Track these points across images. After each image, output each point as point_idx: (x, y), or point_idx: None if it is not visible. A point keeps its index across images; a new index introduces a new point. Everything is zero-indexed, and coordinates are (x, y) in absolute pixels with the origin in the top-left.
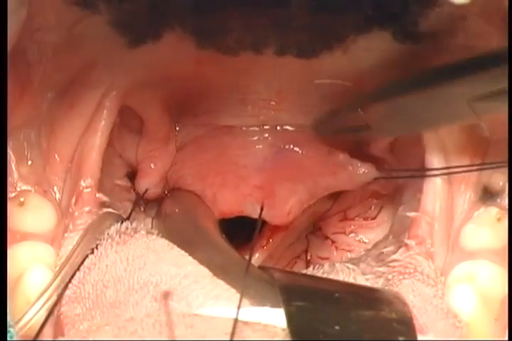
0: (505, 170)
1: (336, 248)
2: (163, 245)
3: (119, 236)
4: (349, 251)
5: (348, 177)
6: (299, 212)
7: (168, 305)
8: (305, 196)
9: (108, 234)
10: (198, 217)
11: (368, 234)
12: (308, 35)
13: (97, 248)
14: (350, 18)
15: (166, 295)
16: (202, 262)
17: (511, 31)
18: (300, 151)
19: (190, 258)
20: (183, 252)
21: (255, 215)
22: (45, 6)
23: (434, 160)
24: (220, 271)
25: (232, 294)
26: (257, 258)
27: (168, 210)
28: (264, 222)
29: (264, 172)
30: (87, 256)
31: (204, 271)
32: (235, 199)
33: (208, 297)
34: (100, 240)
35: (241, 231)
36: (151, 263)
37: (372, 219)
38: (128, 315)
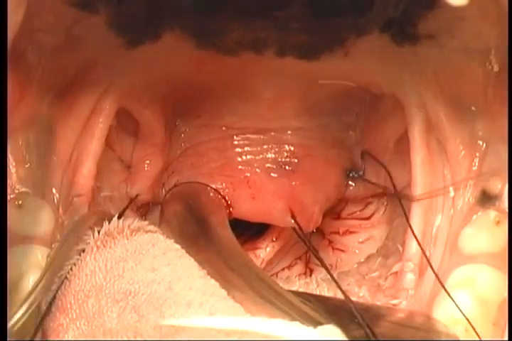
0: (504, 173)
1: (332, 248)
2: (143, 244)
3: (100, 241)
4: (343, 251)
5: None
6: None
7: None
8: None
9: (93, 236)
10: (204, 214)
11: (362, 234)
12: (308, 37)
13: (79, 255)
14: (350, 20)
15: None
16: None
17: (511, 31)
18: (300, 154)
19: (169, 254)
20: (163, 249)
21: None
22: (43, 7)
23: None
24: (227, 270)
25: (205, 300)
26: (268, 253)
27: (172, 209)
28: None
29: (266, 176)
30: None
31: (180, 271)
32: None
33: (180, 304)
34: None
35: (251, 224)
36: (130, 270)
37: (367, 219)
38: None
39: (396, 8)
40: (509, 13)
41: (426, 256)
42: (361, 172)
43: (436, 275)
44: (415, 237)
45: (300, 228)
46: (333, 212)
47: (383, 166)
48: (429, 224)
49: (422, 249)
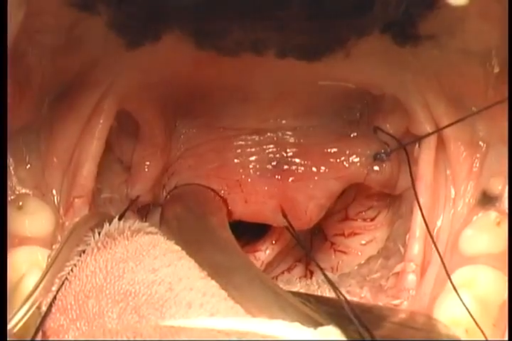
0: (505, 174)
1: (334, 250)
2: (143, 245)
3: (100, 243)
4: (345, 253)
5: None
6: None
7: None
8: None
9: (94, 237)
10: (205, 214)
11: (366, 235)
12: (308, 38)
13: (80, 256)
14: (351, 21)
15: None
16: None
17: (511, 32)
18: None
19: (169, 255)
20: (163, 251)
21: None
22: (44, 8)
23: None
24: (224, 271)
25: (205, 300)
26: (268, 255)
27: (172, 211)
28: None
29: (259, 178)
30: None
31: (180, 272)
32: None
33: (181, 305)
34: (86, 241)
35: (250, 227)
36: (130, 271)
37: (372, 220)
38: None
39: (396, 9)
40: (509, 13)
41: (439, 253)
42: (388, 150)
43: (447, 273)
44: (426, 225)
45: (290, 225)
46: (340, 211)
47: (397, 140)
48: (430, 226)
49: (433, 241)
